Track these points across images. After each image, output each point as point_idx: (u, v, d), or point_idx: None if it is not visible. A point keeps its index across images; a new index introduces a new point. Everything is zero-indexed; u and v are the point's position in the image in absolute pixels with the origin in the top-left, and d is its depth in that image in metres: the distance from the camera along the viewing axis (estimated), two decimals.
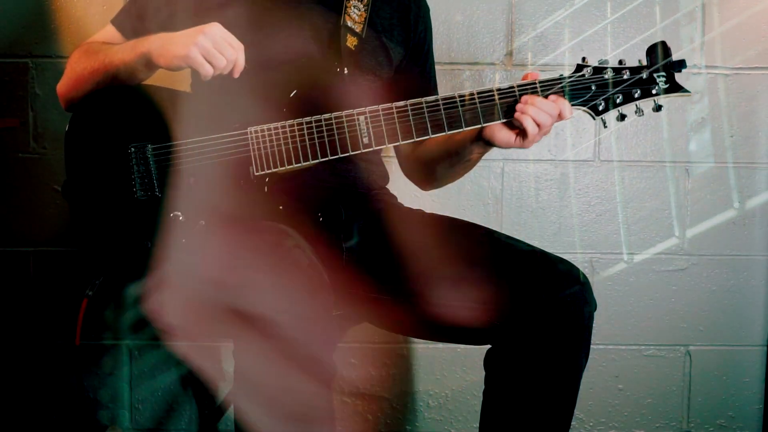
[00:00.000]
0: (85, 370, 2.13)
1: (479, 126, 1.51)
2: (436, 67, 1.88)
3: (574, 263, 1.49)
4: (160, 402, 2.28)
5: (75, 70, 1.62)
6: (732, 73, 2.23)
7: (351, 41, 1.65)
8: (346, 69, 1.60)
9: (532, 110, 1.47)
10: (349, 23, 1.66)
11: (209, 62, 1.45)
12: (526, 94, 1.49)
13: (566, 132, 2.24)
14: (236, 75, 1.49)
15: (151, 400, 2.28)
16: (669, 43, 1.49)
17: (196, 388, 2.28)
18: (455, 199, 2.25)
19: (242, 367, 1.34)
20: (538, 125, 1.48)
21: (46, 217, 2.20)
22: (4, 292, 2.22)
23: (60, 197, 2.16)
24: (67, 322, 2.23)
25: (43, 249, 2.22)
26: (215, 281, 1.41)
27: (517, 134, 1.52)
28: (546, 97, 1.49)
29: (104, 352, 2.26)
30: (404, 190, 2.15)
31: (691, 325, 2.30)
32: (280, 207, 1.54)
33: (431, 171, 1.77)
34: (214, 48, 1.45)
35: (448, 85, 1.86)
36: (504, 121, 1.51)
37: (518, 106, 1.48)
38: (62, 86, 1.65)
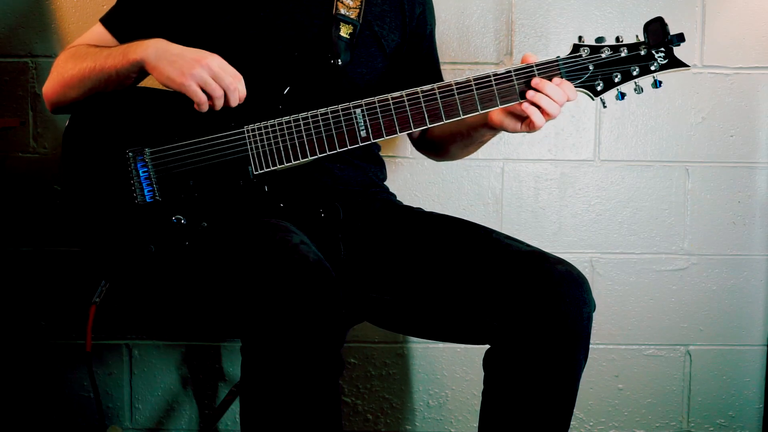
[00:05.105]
0: (86, 370, 2.13)
1: (477, 113, 1.51)
2: None
3: (574, 263, 1.49)
4: (160, 402, 2.28)
5: (62, 74, 1.60)
6: (732, 73, 2.23)
7: (345, 30, 1.63)
8: (340, 61, 1.59)
9: (544, 101, 1.48)
10: (343, 11, 1.64)
11: (205, 92, 1.46)
12: (523, 77, 1.50)
13: (566, 132, 2.24)
14: (236, 103, 1.49)
15: (151, 400, 2.28)
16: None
17: (196, 388, 2.28)
18: (455, 199, 2.25)
19: (250, 364, 1.34)
20: (548, 115, 1.49)
21: (46, 217, 2.20)
22: (5, 292, 2.22)
23: (60, 197, 2.16)
24: (67, 322, 2.23)
25: (43, 249, 2.22)
26: (223, 278, 1.41)
27: (523, 121, 1.53)
28: (550, 79, 1.49)
29: (104, 352, 2.26)
30: (404, 189, 2.16)
31: (691, 325, 2.30)
32: (281, 205, 1.54)
33: (443, 150, 1.80)
34: (212, 78, 1.46)
35: None
36: (503, 107, 1.51)
37: (529, 94, 1.49)
38: (48, 89, 1.64)
